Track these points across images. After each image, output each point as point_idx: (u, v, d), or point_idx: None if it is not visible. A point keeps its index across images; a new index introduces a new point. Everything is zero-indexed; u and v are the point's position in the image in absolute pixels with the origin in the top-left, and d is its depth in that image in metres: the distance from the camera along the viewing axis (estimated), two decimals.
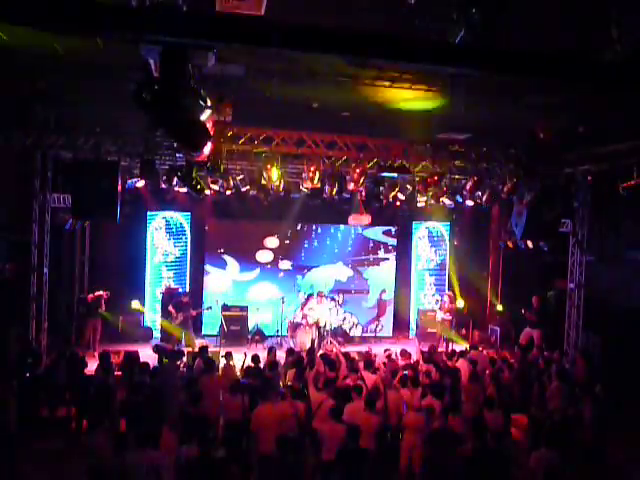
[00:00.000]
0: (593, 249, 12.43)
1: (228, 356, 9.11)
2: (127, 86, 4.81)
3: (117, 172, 10.21)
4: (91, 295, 12.62)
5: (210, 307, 13.84)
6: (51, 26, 3.72)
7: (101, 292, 12.65)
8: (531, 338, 12.46)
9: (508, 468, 6.28)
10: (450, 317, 13.93)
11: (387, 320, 14.89)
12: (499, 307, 15.08)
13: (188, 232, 14.68)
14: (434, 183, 11.61)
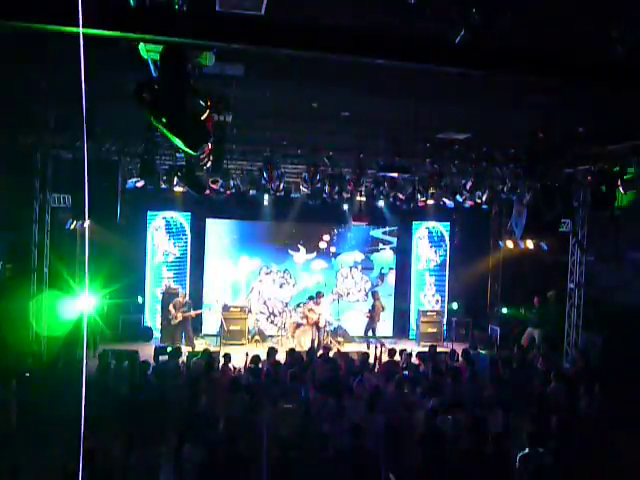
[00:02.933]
0: (593, 249, 12.42)
1: (227, 357, 9.12)
2: (127, 86, 4.80)
3: (117, 172, 10.21)
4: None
5: (210, 307, 13.88)
6: (50, 25, 3.72)
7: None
8: (533, 338, 12.47)
9: (508, 468, 6.27)
10: (367, 316, 14.17)
11: (387, 319, 15.09)
12: (504, 310, 14.99)
13: (188, 232, 14.71)
14: (434, 183, 11.61)
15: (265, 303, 14.37)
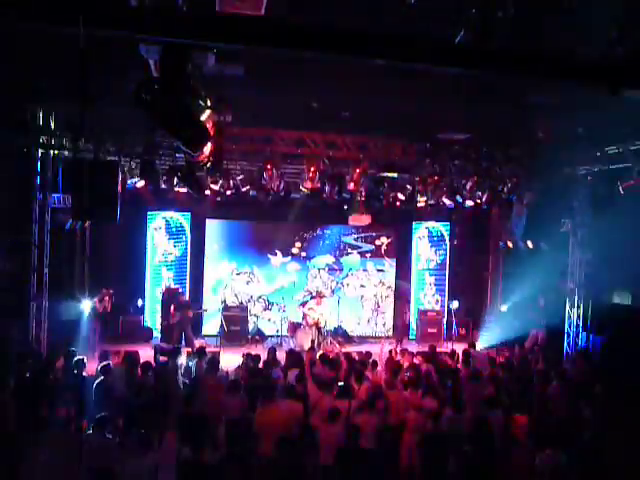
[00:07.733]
0: (593, 249, 12.41)
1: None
2: (127, 86, 4.80)
3: (117, 172, 10.20)
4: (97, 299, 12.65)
5: (206, 309, 13.92)
6: (52, 25, 3.72)
7: (106, 294, 12.72)
8: (536, 339, 12.46)
9: (508, 468, 6.27)
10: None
11: (387, 320, 15.23)
12: (503, 308, 14.93)
13: (188, 232, 14.71)
14: (434, 183, 11.61)
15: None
